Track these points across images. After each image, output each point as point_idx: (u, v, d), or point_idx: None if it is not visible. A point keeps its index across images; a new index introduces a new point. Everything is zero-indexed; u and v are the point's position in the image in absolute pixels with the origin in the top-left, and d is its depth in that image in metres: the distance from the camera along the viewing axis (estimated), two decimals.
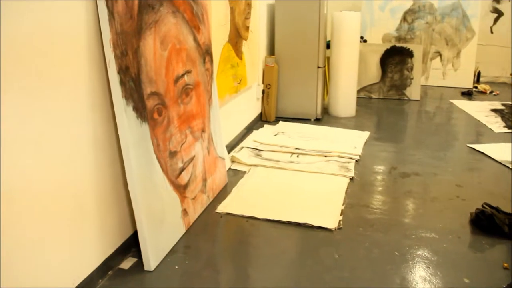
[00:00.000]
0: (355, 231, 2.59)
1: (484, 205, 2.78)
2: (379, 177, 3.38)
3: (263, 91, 4.73)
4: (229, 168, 3.49)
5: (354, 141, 4.13)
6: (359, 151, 3.86)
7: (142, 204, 2.15)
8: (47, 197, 1.73)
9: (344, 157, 3.70)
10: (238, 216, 2.76)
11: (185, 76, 2.61)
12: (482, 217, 2.63)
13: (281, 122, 4.74)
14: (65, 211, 1.85)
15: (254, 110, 4.63)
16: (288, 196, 3.02)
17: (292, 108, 4.87)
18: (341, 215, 2.76)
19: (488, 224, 2.61)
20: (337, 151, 3.79)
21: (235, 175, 3.38)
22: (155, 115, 2.29)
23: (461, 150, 4.01)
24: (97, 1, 1.91)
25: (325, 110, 5.25)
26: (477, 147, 4.03)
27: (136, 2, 2.11)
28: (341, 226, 2.63)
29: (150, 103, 2.24)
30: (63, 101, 1.79)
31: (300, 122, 4.78)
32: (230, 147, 3.88)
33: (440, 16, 6.58)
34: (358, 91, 5.97)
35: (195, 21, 2.75)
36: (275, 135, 4.29)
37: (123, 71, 2.02)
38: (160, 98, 2.32)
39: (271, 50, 4.91)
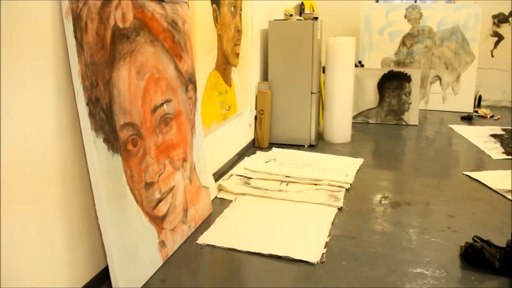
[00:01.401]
0: (338, 265, 2.50)
1: (475, 238, 2.68)
2: (368, 207, 3.29)
3: (256, 117, 4.69)
4: (216, 197, 3.43)
5: (346, 168, 4.06)
6: (350, 179, 3.78)
7: (112, 237, 2.09)
8: (13, 229, 1.67)
9: (334, 186, 3.62)
10: (219, 247, 2.68)
11: (164, 105, 2.58)
12: (471, 251, 2.52)
13: (274, 149, 4.68)
14: (32, 244, 1.80)
15: (246, 136, 4.59)
16: (272, 227, 2.94)
17: (286, 134, 4.82)
18: (325, 247, 2.67)
19: (478, 258, 2.50)
20: (328, 179, 3.72)
21: (221, 204, 3.32)
22: (129, 146, 2.24)
23: (457, 178, 3.90)
24: (66, 32, 1.89)
25: (320, 136, 5.19)
26: (473, 175, 3.93)
27: (109, 33, 2.10)
28: (323, 259, 2.54)
29: (124, 134, 2.20)
30: (29, 132, 1.75)
31: (294, 149, 4.72)
32: (219, 175, 3.82)
33: (439, 40, 6.54)
34: (355, 116, 5.91)
35: (176, 49, 2.73)
36: (267, 162, 4.23)
37: (92, 102, 1.98)
38: (135, 129, 2.28)
39: (265, 76, 4.89)
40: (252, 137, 4.77)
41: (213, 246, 2.70)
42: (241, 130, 4.42)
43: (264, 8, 4.77)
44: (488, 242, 2.61)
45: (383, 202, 3.38)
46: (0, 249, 1.65)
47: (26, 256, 1.80)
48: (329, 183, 3.66)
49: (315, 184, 3.65)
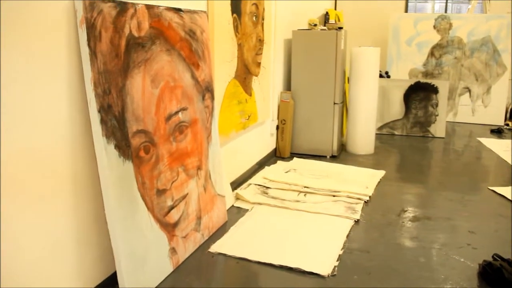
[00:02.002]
0: (349, 278, 2.45)
1: (495, 256, 2.58)
2: (386, 220, 3.21)
3: (277, 127, 4.68)
4: (232, 205, 3.43)
5: (366, 180, 3.98)
6: (370, 191, 3.71)
7: (121, 242, 2.12)
8: (23, 231, 1.72)
9: (353, 197, 3.56)
10: (230, 256, 2.68)
11: (180, 113, 2.61)
12: (489, 270, 2.43)
13: (295, 159, 4.65)
14: (42, 247, 1.84)
15: (267, 146, 4.58)
16: (286, 237, 2.92)
17: (308, 145, 4.78)
18: (337, 260, 2.62)
19: (496, 278, 2.40)
20: (347, 190, 3.66)
21: (237, 213, 3.31)
22: (141, 153, 2.27)
23: (482, 193, 3.77)
24: (80, 40, 1.94)
25: (343, 147, 5.12)
26: (499, 190, 3.79)
27: (123, 41, 2.14)
28: (335, 272, 2.49)
29: (136, 141, 2.23)
30: (41, 136, 1.80)
31: (315, 159, 4.67)
32: (238, 183, 3.82)
33: (469, 51, 6.37)
34: (381, 128, 5.82)
35: (193, 58, 2.76)
36: (286, 172, 4.20)
37: (104, 109, 2.03)
38: (147, 136, 2.32)
39: (288, 85, 4.88)
40: (274, 147, 4.76)
41: (225, 255, 2.70)
42: (262, 139, 4.42)
43: (289, 18, 4.78)
44: (508, 261, 2.50)
45: (402, 215, 3.30)
46: (2, 252, 1.70)
47: (36, 258, 1.84)
48: (348, 194, 3.60)
49: (334, 196, 3.60)
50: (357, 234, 2.99)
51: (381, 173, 4.23)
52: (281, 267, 2.55)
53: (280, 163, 4.52)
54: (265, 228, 3.05)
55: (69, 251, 2.02)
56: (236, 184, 3.79)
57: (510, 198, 3.61)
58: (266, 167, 4.33)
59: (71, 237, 2.03)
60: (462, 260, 2.65)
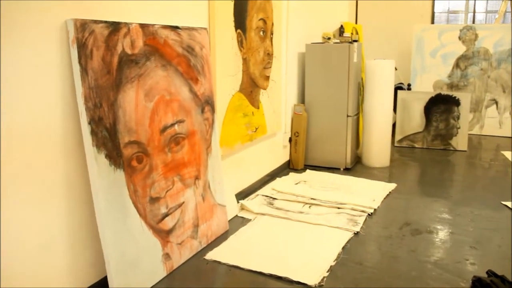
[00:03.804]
0: None
1: (489, 272, 2.53)
2: (387, 233, 3.20)
3: (290, 139, 4.74)
4: (236, 215, 3.51)
5: (375, 193, 3.97)
6: (376, 204, 3.70)
7: (111, 245, 2.25)
8: (16, 234, 1.88)
9: (357, 210, 3.57)
10: (223, 264, 2.76)
11: (176, 125, 2.74)
12: (478, 285, 2.39)
13: (308, 171, 4.69)
14: (34, 249, 2.00)
15: (280, 157, 4.64)
16: (282, 248, 2.97)
17: (322, 157, 4.81)
18: (328, 271, 2.65)
19: None
20: (352, 203, 3.66)
21: (241, 223, 3.40)
22: (134, 163, 2.41)
23: (493, 207, 3.67)
24: (72, 58, 2.12)
25: (358, 160, 5.11)
26: (511, 204, 3.68)
27: (115, 59, 2.30)
28: (322, 283, 2.52)
29: (128, 151, 2.38)
30: (35, 145, 1.98)
31: (329, 171, 4.69)
32: (245, 194, 3.91)
33: (496, 62, 6.20)
34: (401, 140, 5.75)
35: (192, 73, 2.89)
36: (296, 183, 4.25)
37: (95, 121, 2.18)
38: (140, 147, 2.46)
39: (302, 98, 4.95)
40: (287, 159, 4.82)
41: (219, 262, 2.78)
42: (274, 151, 4.49)
43: (302, 32, 4.86)
44: (502, 278, 2.45)
45: (403, 229, 3.27)
46: (1, 252, 1.87)
47: (28, 260, 2.00)
48: (352, 207, 3.61)
49: (338, 208, 3.62)
50: (354, 246, 3.00)
51: (391, 186, 4.20)
52: (271, 276, 2.61)
53: (292, 174, 4.57)
54: (263, 238, 3.12)
55: (62, 254, 2.18)
56: (243, 195, 3.88)
57: None
58: (277, 179, 4.39)
59: (64, 240, 2.18)
60: (456, 275, 2.61)
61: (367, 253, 2.91)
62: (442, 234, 3.18)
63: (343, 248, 2.96)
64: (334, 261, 2.77)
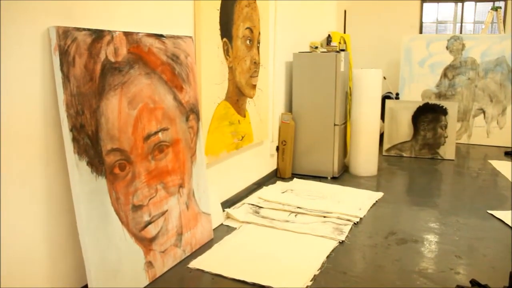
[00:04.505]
0: None
1: (472, 281, 2.53)
2: (372, 242, 3.20)
3: (278, 148, 4.74)
4: (222, 224, 3.50)
5: (362, 202, 3.97)
6: (362, 213, 3.70)
7: (91, 253, 2.24)
8: None
9: (343, 219, 3.57)
10: (207, 272, 2.74)
11: (160, 133, 2.73)
12: None
13: (295, 179, 4.69)
14: (14, 256, 1.98)
15: (267, 166, 4.64)
16: (266, 256, 2.96)
17: (309, 166, 4.82)
18: (311, 280, 2.64)
19: None
20: (338, 212, 3.66)
21: (226, 231, 3.38)
22: (116, 170, 2.40)
23: (478, 216, 3.69)
24: (54, 65, 2.11)
25: (346, 168, 5.12)
26: (497, 214, 3.70)
27: (98, 66, 2.30)
28: None
29: (110, 158, 2.36)
30: (15, 153, 1.96)
31: (317, 180, 4.69)
32: (232, 202, 3.90)
33: (483, 72, 6.27)
34: (389, 149, 5.78)
35: (177, 81, 2.89)
36: (283, 192, 4.25)
37: (77, 129, 2.17)
38: (123, 154, 2.44)
39: (290, 107, 4.96)
40: (275, 167, 4.82)
41: (202, 271, 2.77)
42: (261, 160, 4.49)
43: (290, 41, 4.89)
44: (486, 287, 2.46)
45: (389, 238, 3.27)
46: None
47: (6, 267, 1.97)
48: (338, 216, 3.61)
49: (324, 217, 3.62)
50: (338, 255, 3.00)
51: (378, 195, 4.21)
52: (254, 285, 2.59)
53: (279, 183, 4.57)
54: (248, 247, 3.10)
55: (42, 260, 2.15)
56: (230, 203, 3.87)
57: (508, 223, 3.51)
58: (264, 187, 4.39)
59: (44, 246, 2.16)
60: (440, 284, 2.61)
61: (352, 262, 2.91)
62: (427, 243, 3.19)
63: (327, 257, 2.95)
64: (318, 270, 2.76)
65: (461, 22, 7.33)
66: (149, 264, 2.62)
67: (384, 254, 3.02)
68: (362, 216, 3.65)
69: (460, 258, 2.96)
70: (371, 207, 3.90)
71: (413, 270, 2.78)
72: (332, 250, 3.04)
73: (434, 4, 7.51)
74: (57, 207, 2.22)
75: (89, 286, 2.25)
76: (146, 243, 2.60)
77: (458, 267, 2.83)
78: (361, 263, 2.90)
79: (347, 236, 3.27)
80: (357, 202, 3.97)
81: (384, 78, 7.00)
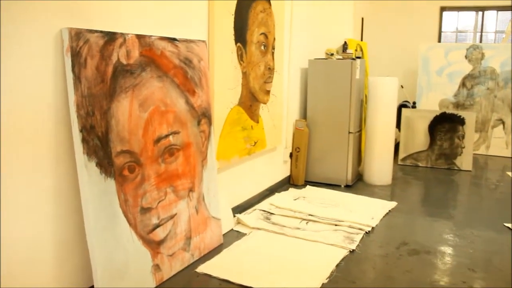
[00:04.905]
0: None
1: None
2: (383, 252, 3.14)
3: (291, 155, 4.71)
4: (232, 229, 3.48)
5: (375, 211, 3.91)
6: (374, 222, 3.64)
7: (98, 253, 2.24)
8: (3, 236, 1.89)
9: (354, 227, 3.51)
10: (214, 277, 2.72)
11: (170, 136, 2.74)
12: None
13: (308, 187, 4.65)
14: (20, 254, 1.99)
15: (280, 172, 4.62)
16: (275, 263, 2.92)
17: (322, 173, 4.77)
18: None
19: None
20: (350, 220, 3.61)
21: (237, 237, 3.36)
22: (125, 172, 2.41)
23: (494, 229, 3.59)
24: (65, 66, 2.13)
25: (360, 177, 5.06)
26: None
27: (110, 68, 2.31)
28: None
29: (120, 160, 2.37)
30: (25, 152, 1.98)
31: (330, 188, 4.65)
32: (243, 208, 3.88)
33: (502, 82, 6.15)
34: (404, 159, 5.69)
35: (189, 85, 2.90)
36: (295, 199, 4.21)
37: (86, 129, 2.19)
38: (133, 156, 2.45)
39: (304, 114, 4.93)
40: (288, 174, 4.79)
41: (210, 276, 2.75)
42: (274, 166, 4.46)
43: (306, 48, 4.87)
44: None
45: (401, 248, 3.21)
46: None
47: (14, 266, 1.99)
48: (350, 224, 3.56)
49: (335, 225, 3.57)
50: (348, 264, 2.95)
51: (392, 204, 4.14)
52: None
53: (291, 190, 4.53)
54: (257, 253, 3.07)
55: (49, 259, 2.16)
56: (241, 209, 3.85)
57: None
58: (276, 194, 4.36)
59: (52, 246, 2.17)
60: None
61: (361, 272, 2.86)
62: (440, 255, 3.12)
63: (337, 265, 2.90)
64: (326, 279, 2.72)
65: (481, 32, 7.21)
66: (157, 267, 2.62)
67: (395, 264, 2.96)
68: (374, 225, 3.59)
69: (474, 271, 2.88)
70: (384, 217, 3.84)
71: (423, 282, 2.71)
72: (342, 259, 2.99)
73: (454, 13, 7.41)
74: (65, 207, 2.23)
75: (95, 286, 2.25)
76: (154, 246, 2.60)
77: (471, 281, 2.75)
78: (371, 273, 2.84)
79: (358, 245, 3.22)
80: (370, 211, 3.91)
81: (402, 86, 6.93)
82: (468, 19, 7.54)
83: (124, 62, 2.40)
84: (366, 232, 3.46)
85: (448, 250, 3.20)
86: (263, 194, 4.27)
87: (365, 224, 3.57)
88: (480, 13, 7.30)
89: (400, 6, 7.29)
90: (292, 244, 3.23)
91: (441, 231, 3.55)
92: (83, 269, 2.36)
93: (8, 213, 1.95)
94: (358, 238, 3.34)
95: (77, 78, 2.14)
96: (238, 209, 3.80)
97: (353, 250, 3.14)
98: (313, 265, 2.90)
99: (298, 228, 3.51)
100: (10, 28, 1.89)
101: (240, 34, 3.48)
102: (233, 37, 3.39)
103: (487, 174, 5.45)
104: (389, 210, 4.00)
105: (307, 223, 3.63)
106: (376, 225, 3.62)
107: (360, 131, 4.96)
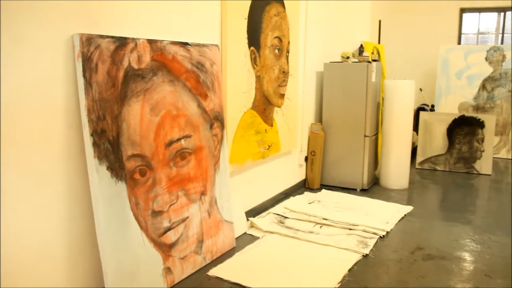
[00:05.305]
0: None
1: None
2: (397, 257, 3.09)
3: (306, 158, 4.69)
4: (245, 233, 3.48)
5: (390, 215, 3.86)
6: (389, 227, 3.59)
7: (109, 256, 2.27)
8: (15, 237, 1.93)
9: (368, 232, 3.47)
10: (225, 281, 2.73)
11: (182, 140, 2.76)
12: None
13: (323, 191, 4.62)
14: (33, 258, 2.04)
15: (295, 176, 4.60)
16: (287, 267, 2.91)
17: (338, 177, 4.74)
18: None
19: None
20: (364, 224, 3.57)
21: (250, 240, 3.36)
22: (136, 176, 2.44)
23: None
24: (76, 71, 2.17)
25: (376, 181, 5.00)
26: None
27: (121, 73, 2.35)
28: None
29: (131, 164, 2.40)
30: (38, 155, 2.02)
31: (345, 192, 4.61)
32: (257, 211, 3.88)
33: None
34: (422, 162, 5.61)
35: (201, 89, 2.92)
36: (310, 203, 4.19)
37: (97, 133, 2.22)
38: (144, 160, 2.48)
39: (320, 117, 4.91)
40: (303, 177, 4.77)
41: (221, 279, 2.75)
42: (288, 169, 4.45)
43: (321, 51, 4.85)
44: None
45: (415, 253, 3.16)
46: (0, 257, 1.91)
47: (26, 266, 2.03)
48: (364, 229, 3.52)
49: (350, 229, 3.54)
50: (361, 269, 2.92)
51: (408, 208, 4.08)
52: None
53: (306, 194, 4.51)
54: (269, 257, 3.07)
55: (60, 260, 2.20)
56: (255, 212, 3.85)
57: None
58: (291, 197, 4.34)
59: (63, 247, 2.21)
60: None
61: (374, 277, 2.82)
62: (456, 260, 3.05)
63: (349, 270, 2.87)
64: (338, 283, 2.69)
65: (503, 33, 7.06)
66: (168, 270, 2.64)
67: (409, 269, 2.91)
68: (389, 230, 3.54)
69: (491, 277, 2.82)
70: (399, 221, 3.78)
71: None
72: (355, 264, 2.96)
73: (476, 14, 7.28)
74: (77, 209, 2.27)
75: (105, 284, 2.28)
76: (165, 249, 2.62)
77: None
78: (384, 278, 2.81)
79: (371, 249, 3.19)
80: (385, 215, 3.86)
81: (421, 89, 6.84)
82: (489, 20, 7.39)
83: (136, 66, 2.44)
84: (380, 237, 3.42)
85: (464, 255, 3.13)
86: (278, 197, 4.27)
87: (379, 228, 3.53)
88: (502, 14, 7.15)
89: (418, 8, 7.20)
90: (305, 248, 3.21)
91: (457, 236, 3.48)
92: (94, 271, 2.39)
93: (21, 215, 2.00)
94: (372, 242, 3.30)
95: (88, 83, 2.18)
96: (253, 213, 3.80)
97: (367, 254, 3.11)
98: (325, 270, 2.88)
99: (312, 232, 3.49)
100: (22, 33, 1.94)
101: (254, 38, 3.49)
102: (246, 41, 3.40)
103: (508, 178, 5.32)
104: (405, 215, 3.94)
105: (321, 227, 3.60)
106: (391, 230, 3.57)
107: (376, 134, 4.91)
